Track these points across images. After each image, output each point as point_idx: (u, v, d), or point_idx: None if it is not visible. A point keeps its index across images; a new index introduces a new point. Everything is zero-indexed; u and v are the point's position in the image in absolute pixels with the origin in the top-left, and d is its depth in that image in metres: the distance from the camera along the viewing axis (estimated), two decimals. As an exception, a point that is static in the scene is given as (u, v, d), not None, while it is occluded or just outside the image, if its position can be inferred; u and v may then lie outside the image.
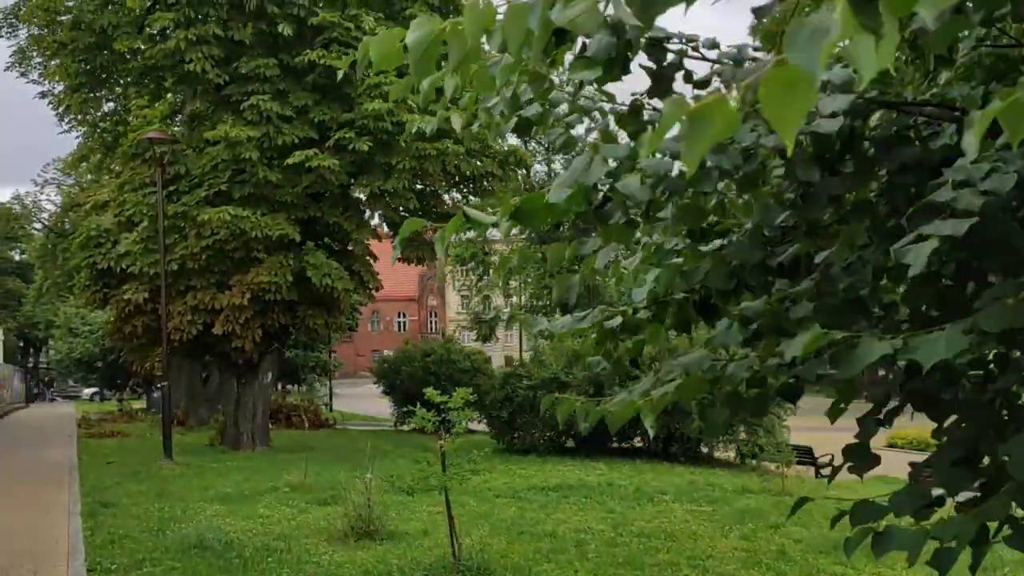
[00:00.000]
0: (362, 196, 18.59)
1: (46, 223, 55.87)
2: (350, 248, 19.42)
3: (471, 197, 19.88)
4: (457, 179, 19.20)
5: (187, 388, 26.63)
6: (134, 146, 18.16)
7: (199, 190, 17.35)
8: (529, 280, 39.44)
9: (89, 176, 53.42)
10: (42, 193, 66.52)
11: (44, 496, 12.50)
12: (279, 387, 33.27)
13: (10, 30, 28.19)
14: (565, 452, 18.37)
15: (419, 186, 18.75)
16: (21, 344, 70.23)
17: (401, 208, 18.48)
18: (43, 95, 28.83)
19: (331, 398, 39.34)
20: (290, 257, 17.33)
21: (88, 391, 56.38)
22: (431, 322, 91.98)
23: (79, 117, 21.23)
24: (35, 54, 26.98)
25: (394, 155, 17.06)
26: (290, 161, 16.33)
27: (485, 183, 19.17)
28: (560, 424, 2.89)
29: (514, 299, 53.88)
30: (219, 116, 17.41)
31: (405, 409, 26.88)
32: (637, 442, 18.66)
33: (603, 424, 2.50)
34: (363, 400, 40.08)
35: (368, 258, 19.86)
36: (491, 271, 60.04)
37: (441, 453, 7.95)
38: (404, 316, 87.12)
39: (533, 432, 18.27)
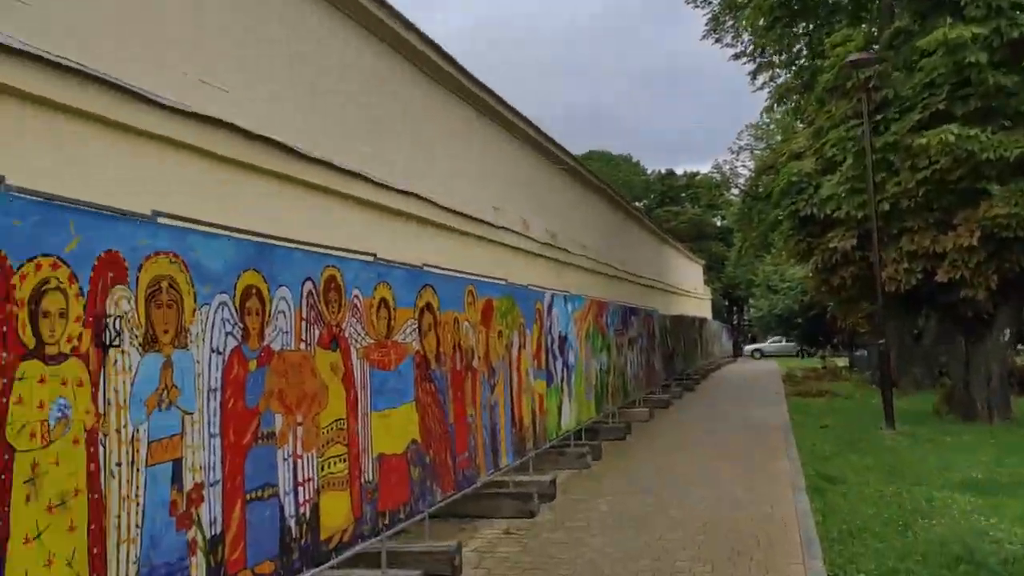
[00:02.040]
0: None
1: (742, 188, 58.96)
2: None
3: None
4: None
5: (897, 346, 24.02)
6: (833, 77, 16.33)
7: (911, 114, 14.68)
8: None
9: (777, 133, 54.26)
10: (737, 160, 70.46)
11: (762, 462, 11.58)
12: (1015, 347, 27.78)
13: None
14: None
15: None
16: (726, 303, 75.98)
17: None
18: (736, 56, 29.44)
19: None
20: (1034, 182, 13.52)
21: (750, 347, 57.46)
22: None
23: (775, 59, 20.35)
24: (727, 18, 27.43)
25: None
26: (1032, 57, 12.57)
27: None
28: None
29: None
30: (931, 24, 14.46)
31: None
32: None
33: None
34: None
35: None
36: None
37: None
38: None
39: None
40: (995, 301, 14.98)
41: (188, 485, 3.88)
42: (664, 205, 79.91)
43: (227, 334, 4.24)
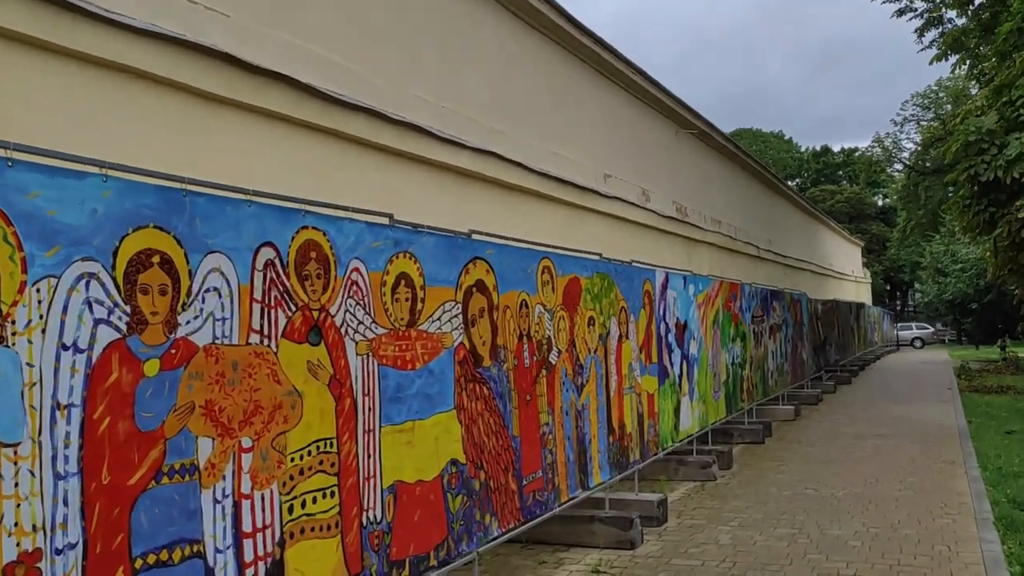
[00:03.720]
0: None
1: (906, 162, 53.91)
2: None
3: None
4: None
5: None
6: (1022, 14, 13.54)
7: None
8: None
9: (948, 102, 49.18)
10: (901, 132, 64.98)
11: (935, 480, 9.35)
12: None
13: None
14: None
15: None
16: (887, 287, 70.41)
17: None
18: (900, 12, 26.13)
19: None
20: None
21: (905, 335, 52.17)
22: None
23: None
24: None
25: None
26: None
27: None
28: None
29: None
30: None
31: None
32: None
33: None
34: None
35: None
36: None
37: None
38: None
39: None
40: None
41: (10, 555, 2.51)
42: (819, 184, 75.18)
43: (97, 322, 2.85)
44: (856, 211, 67.41)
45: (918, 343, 50.27)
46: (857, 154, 70.50)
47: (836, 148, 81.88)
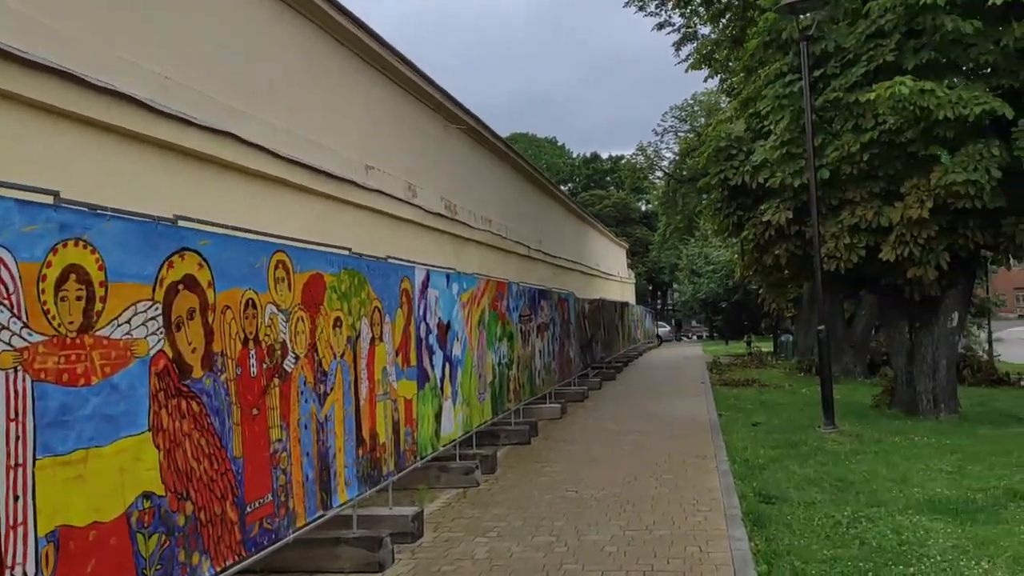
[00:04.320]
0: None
1: (666, 171, 57.58)
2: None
3: None
4: None
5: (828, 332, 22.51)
6: (766, 31, 14.40)
7: (854, 69, 12.84)
8: None
9: (701, 115, 53.04)
10: (662, 142, 69.44)
11: (689, 476, 9.53)
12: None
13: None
14: None
15: None
16: (650, 288, 75.01)
17: None
18: (660, 26, 27.53)
19: (990, 344, 31.53)
20: (993, 145, 11.77)
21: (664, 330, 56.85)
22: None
23: (701, 11, 18.35)
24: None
25: None
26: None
27: None
28: None
29: None
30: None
31: None
32: None
33: None
34: (1008, 347, 31.75)
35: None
36: None
37: None
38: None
39: None
40: (943, 283, 13.31)
41: None
42: (589, 189, 78.62)
43: None
44: (622, 215, 71.20)
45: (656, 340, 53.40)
46: (623, 162, 74.65)
47: (605, 155, 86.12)
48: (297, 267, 5.75)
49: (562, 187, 53.52)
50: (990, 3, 10.87)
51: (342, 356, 6.42)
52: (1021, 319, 60.08)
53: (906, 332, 14.32)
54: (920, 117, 11.63)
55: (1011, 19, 11.52)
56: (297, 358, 5.70)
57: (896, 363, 14.61)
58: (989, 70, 12.40)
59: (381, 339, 7.25)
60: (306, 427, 5.78)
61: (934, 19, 11.73)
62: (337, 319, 6.37)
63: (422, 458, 8.29)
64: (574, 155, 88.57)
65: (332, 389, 6.23)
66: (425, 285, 8.64)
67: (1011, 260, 14.18)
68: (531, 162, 24.06)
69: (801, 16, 12.78)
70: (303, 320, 5.82)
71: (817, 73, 13.29)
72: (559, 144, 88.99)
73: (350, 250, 6.73)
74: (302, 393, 5.74)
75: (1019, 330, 46.32)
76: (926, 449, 10.84)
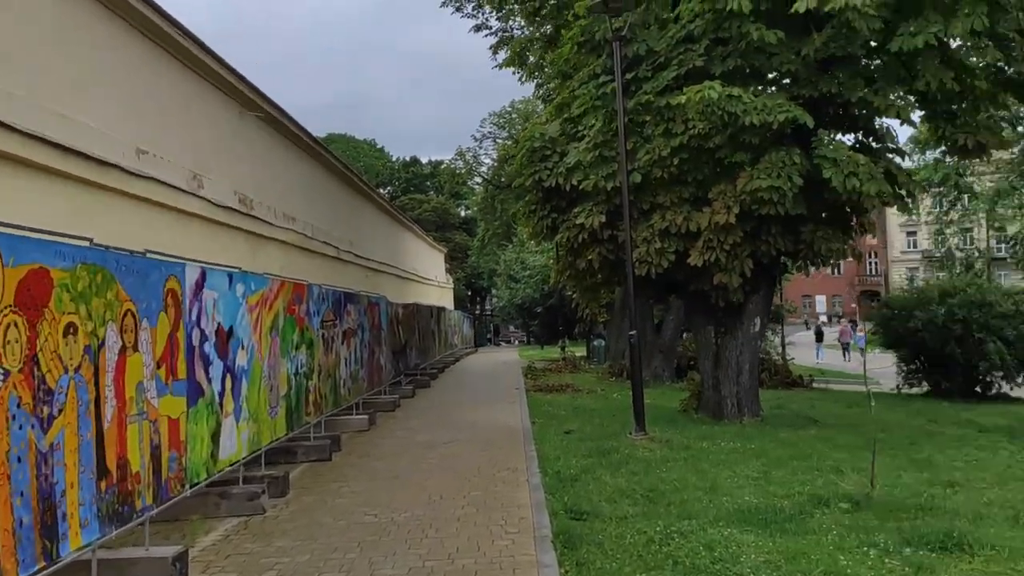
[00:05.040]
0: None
1: (485, 176, 57.68)
2: (873, 142, 13.56)
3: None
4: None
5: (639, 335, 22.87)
6: (580, 32, 14.20)
7: (664, 73, 12.83)
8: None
9: (518, 123, 53.51)
10: (481, 148, 69.65)
11: (500, 491, 8.91)
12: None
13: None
14: None
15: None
16: (469, 293, 75.07)
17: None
18: (477, 28, 27.18)
19: (783, 348, 33.55)
20: (795, 153, 12.06)
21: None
22: (870, 264, 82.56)
23: (517, 6, 18.01)
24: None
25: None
26: (798, 8, 10.94)
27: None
28: None
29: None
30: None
31: (913, 367, 20.66)
32: None
33: None
34: (796, 349, 33.99)
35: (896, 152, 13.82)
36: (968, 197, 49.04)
37: None
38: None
39: None
40: (746, 288, 13.56)
41: None
42: (409, 193, 77.73)
43: None
44: (442, 220, 70.87)
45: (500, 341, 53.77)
46: (443, 166, 74.30)
47: (425, 159, 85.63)
48: (9, 258, 4.58)
49: (381, 190, 52.36)
50: (792, 11, 11.07)
51: (77, 370, 5.25)
52: (806, 325, 64.85)
53: (712, 337, 14.52)
54: (728, 123, 11.73)
55: (812, 30, 11.83)
56: (7, 374, 4.52)
57: (703, 367, 14.79)
58: (791, 80, 12.74)
59: (136, 349, 6.10)
60: (20, 460, 4.61)
61: (740, 27, 11.86)
62: (70, 325, 5.20)
63: (193, 485, 7.15)
64: (394, 158, 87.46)
65: (62, 411, 5.06)
66: (200, 285, 7.51)
67: (809, 267, 14.71)
68: (344, 160, 22.92)
69: (614, 18, 12.62)
70: (17, 326, 4.64)
71: (630, 76, 13.21)
72: (378, 146, 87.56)
73: (91, 240, 5.55)
74: (14, 418, 4.57)
75: (807, 334, 49.86)
76: (732, 455, 10.84)
